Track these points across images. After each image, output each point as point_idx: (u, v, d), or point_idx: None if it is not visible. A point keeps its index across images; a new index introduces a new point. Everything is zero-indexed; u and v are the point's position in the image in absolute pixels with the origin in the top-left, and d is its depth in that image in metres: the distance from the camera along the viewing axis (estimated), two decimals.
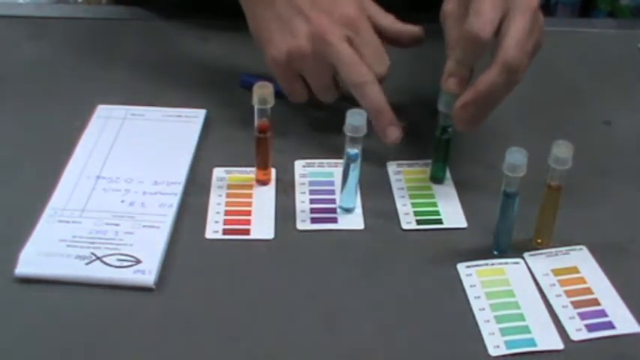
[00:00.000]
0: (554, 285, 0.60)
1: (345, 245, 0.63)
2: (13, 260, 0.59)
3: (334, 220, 0.65)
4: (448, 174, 0.69)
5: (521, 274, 0.61)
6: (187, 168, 0.69)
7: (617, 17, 1.87)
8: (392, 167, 0.70)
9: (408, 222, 0.65)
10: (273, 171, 0.69)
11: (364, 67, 0.69)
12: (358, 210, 0.66)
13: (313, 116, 0.74)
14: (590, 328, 0.57)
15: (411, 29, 0.74)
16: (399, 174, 0.70)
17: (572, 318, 0.57)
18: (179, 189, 0.66)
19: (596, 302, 0.59)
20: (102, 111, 0.75)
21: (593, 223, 0.66)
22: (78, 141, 0.71)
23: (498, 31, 0.63)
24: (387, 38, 0.73)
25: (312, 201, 0.67)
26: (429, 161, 0.69)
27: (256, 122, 0.65)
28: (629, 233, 0.65)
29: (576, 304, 0.58)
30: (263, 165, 0.68)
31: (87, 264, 0.59)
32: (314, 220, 0.65)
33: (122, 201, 0.65)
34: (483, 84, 0.63)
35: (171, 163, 0.69)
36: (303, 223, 0.65)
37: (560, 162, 0.59)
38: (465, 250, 0.63)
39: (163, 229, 0.63)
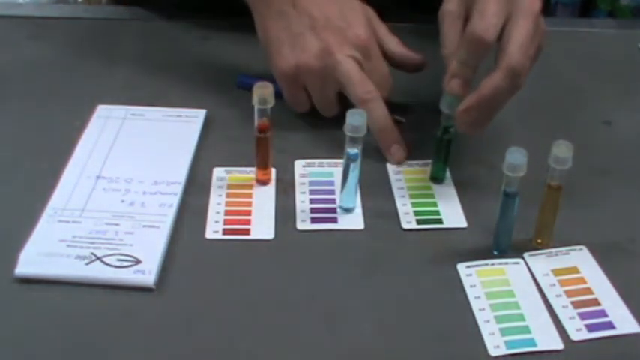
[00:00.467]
0: (554, 285, 0.60)
1: (345, 245, 0.63)
2: (13, 260, 0.59)
3: (334, 220, 0.65)
4: (448, 174, 0.69)
5: (521, 274, 0.61)
6: (187, 168, 0.69)
7: (617, 17, 1.87)
8: (392, 167, 0.70)
9: (408, 222, 0.65)
10: (273, 171, 0.69)
11: (371, 84, 0.69)
12: (358, 210, 0.66)
13: (313, 116, 0.74)
14: (590, 328, 0.57)
15: (414, 57, 0.75)
16: (399, 174, 0.70)
17: (572, 318, 0.57)
18: (179, 189, 0.66)
19: (596, 302, 0.59)
20: (102, 111, 0.75)
21: (593, 223, 0.66)
22: (78, 141, 0.71)
23: (501, 35, 0.63)
24: (392, 62, 0.74)
25: (312, 201, 0.67)
26: (429, 161, 0.69)
27: (256, 122, 0.65)
28: (629, 233, 0.65)
29: (576, 304, 0.58)
30: (263, 165, 0.68)
31: (87, 264, 0.59)
32: (314, 220, 0.65)
33: (122, 201, 0.65)
34: (487, 88, 0.63)
35: (171, 163, 0.69)
36: (303, 223, 0.64)
37: (560, 162, 0.59)
38: (465, 250, 0.62)
39: (163, 229, 0.63)
